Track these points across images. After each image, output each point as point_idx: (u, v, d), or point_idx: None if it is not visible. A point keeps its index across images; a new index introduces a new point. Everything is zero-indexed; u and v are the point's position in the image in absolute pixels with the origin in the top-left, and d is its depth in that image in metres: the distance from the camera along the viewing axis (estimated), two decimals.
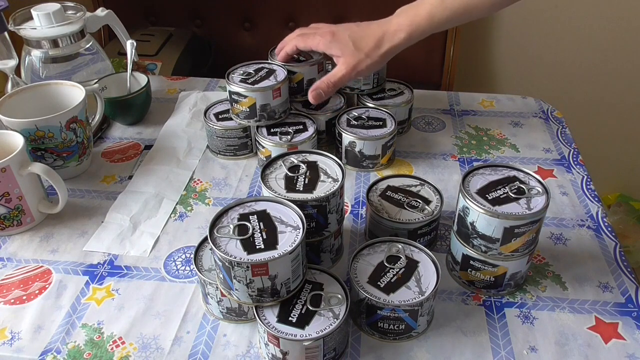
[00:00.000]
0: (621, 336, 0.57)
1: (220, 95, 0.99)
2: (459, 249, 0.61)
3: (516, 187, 0.58)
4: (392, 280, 0.56)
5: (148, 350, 0.56)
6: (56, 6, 0.85)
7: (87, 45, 0.91)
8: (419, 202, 0.67)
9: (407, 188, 0.70)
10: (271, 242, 0.52)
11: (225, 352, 0.56)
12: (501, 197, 0.57)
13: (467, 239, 0.59)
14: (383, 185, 0.70)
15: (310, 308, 0.53)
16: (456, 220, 0.60)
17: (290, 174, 0.61)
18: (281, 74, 0.79)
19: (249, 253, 0.50)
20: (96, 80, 0.90)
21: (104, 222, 0.73)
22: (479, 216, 0.56)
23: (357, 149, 0.79)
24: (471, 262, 0.60)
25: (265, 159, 0.79)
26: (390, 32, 0.73)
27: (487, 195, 0.57)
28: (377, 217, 0.65)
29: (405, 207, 0.66)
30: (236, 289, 0.52)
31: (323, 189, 0.59)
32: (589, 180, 0.79)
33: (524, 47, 1.62)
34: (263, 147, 0.79)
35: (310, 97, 0.76)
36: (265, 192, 0.59)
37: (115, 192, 0.78)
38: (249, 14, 1.52)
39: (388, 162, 0.82)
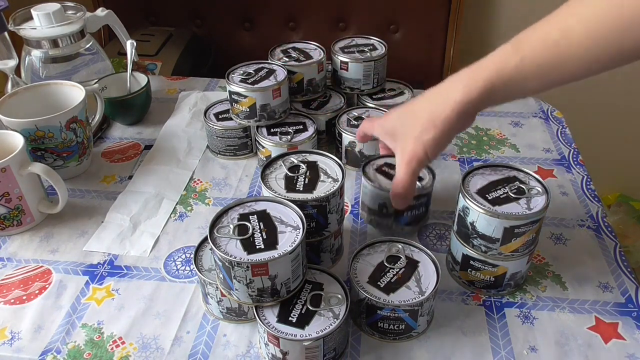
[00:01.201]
0: (621, 336, 0.57)
1: (220, 95, 0.99)
2: (459, 249, 0.61)
3: (516, 187, 0.58)
4: (392, 280, 0.56)
5: (148, 350, 0.56)
6: (56, 6, 0.85)
7: (87, 45, 0.91)
8: None
9: None
10: (271, 242, 0.52)
11: (225, 352, 0.56)
12: (501, 197, 0.57)
13: (467, 239, 0.59)
14: (381, 161, 0.71)
15: (310, 308, 0.53)
16: (456, 220, 0.60)
17: (290, 174, 0.61)
18: (281, 74, 0.79)
19: (249, 253, 0.50)
20: (96, 80, 0.90)
21: (104, 222, 0.73)
22: (479, 216, 0.56)
23: (357, 149, 0.79)
24: (471, 262, 0.60)
25: (265, 159, 0.80)
26: (442, 93, 0.55)
27: (487, 195, 0.57)
28: (369, 186, 0.66)
29: None
30: (236, 289, 0.52)
31: (323, 189, 0.59)
32: (589, 180, 0.79)
33: None
34: (263, 147, 0.79)
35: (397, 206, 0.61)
36: (265, 192, 0.59)
37: (115, 192, 0.78)
38: (249, 14, 1.52)
39: None
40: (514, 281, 0.61)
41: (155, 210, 0.75)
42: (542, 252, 0.67)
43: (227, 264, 0.50)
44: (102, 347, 0.57)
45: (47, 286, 0.64)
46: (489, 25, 1.60)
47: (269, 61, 0.83)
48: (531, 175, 0.60)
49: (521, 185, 0.58)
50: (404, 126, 0.56)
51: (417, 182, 0.66)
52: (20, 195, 0.69)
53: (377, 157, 0.71)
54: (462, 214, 0.58)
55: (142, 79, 0.93)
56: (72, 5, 0.90)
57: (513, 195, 0.57)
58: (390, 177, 0.68)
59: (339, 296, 0.54)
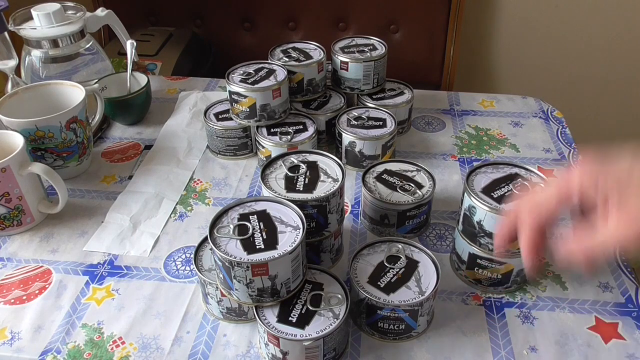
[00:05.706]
0: (621, 336, 0.57)
1: (220, 95, 0.99)
2: (465, 248, 0.61)
3: (519, 184, 0.58)
4: (392, 280, 0.56)
5: (148, 350, 0.56)
6: (56, 6, 0.85)
7: (87, 45, 0.91)
8: (412, 186, 0.68)
9: (404, 173, 0.71)
10: (271, 242, 0.52)
11: (225, 352, 0.56)
12: (506, 194, 0.57)
13: (473, 238, 0.59)
14: (380, 168, 0.72)
15: (310, 308, 0.53)
16: (461, 220, 0.60)
17: (290, 174, 0.61)
18: (281, 74, 0.79)
19: (249, 253, 0.50)
20: (96, 80, 0.90)
21: (104, 222, 0.73)
22: (486, 215, 0.56)
23: (357, 149, 0.79)
24: (478, 260, 0.60)
25: (265, 159, 0.79)
26: None
27: (492, 194, 0.57)
28: (369, 198, 0.67)
29: (398, 190, 0.68)
30: (236, 289, 0.52)
31: (323, 189, 0.59)
32: None
33: (524, 47, 1.62)
34: (263, 147, 0.79)
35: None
36: (265, 192, 0.59)
37: (115, 192, 0.78)
38: (249, 14, 1.52)
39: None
40: (520, 277, 0.61)
41: (155, 210, 0.75)
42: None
43: (227, 264, 0.50)
44: (102, 347, 0.57)
45: (47, 286, 0.64)
46: (489, 25, 1.60)
47: (269, 61, 0.83)
48: (532, 171, 0.60)
49: (524, 182, 0.58)
50: None
51: (418, 191, 0.67)
52: (20, 195, 0.69)
53: (377, 164, 0.71)
54: (468, 213, 0.58)
55: (142, 79, 0.93)
56: (72, 5, 0.90)
57: (518, 192, 0.57)
58: (389, 185, 0.68)
59: (339, 296, 0.54)
